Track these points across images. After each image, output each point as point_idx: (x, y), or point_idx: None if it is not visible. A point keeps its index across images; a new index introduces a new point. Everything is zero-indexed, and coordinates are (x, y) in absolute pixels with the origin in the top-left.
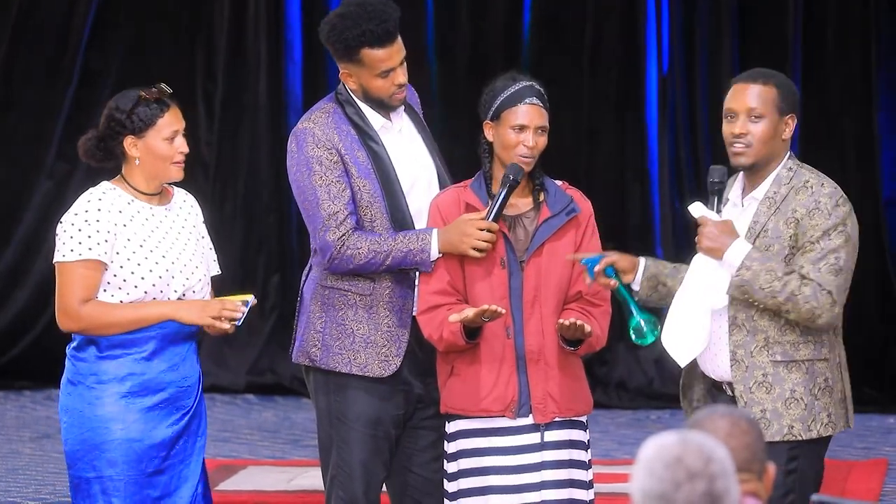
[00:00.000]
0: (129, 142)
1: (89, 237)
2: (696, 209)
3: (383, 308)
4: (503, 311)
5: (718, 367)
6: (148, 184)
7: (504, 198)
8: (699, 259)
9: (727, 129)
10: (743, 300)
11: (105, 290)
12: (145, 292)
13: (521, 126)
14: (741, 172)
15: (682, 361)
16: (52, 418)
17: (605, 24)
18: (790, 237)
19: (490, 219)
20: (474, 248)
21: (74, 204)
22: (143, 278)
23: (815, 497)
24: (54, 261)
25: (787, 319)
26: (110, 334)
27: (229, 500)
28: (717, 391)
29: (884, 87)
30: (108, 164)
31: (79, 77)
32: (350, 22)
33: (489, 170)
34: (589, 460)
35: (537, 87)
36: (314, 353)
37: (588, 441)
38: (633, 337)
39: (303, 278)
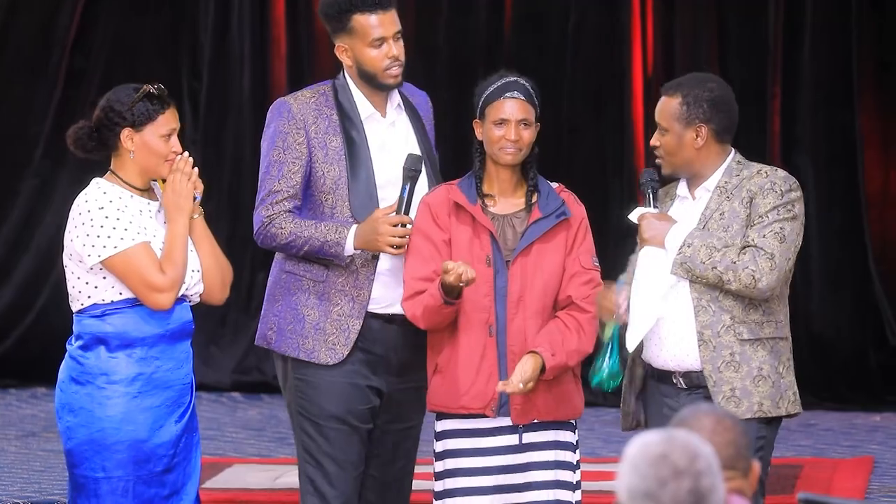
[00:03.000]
0: (125, 134)
1: (126, 229)
2: (635, 213)
3: (335, 296)
4: (473, 274)
5: (682, 355)
6: (140, 178)
7: (408, 191)
8: (643, 253)
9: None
10: (686, 277)
11: (122, 294)
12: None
13: (502, 120)
14: None
15: (630, 345)
16: (37, 416)
17: (587, 22)
18: (746, 216)
19: (401, 212)
20: (391, 245)
21: (85, 204)
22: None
23: (801, 495)
24: (103, 258)
25: (749, 298)
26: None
27: (215, 499)
28: (662, 383)
29: (864, 86)
30: (96, 156)
31: (65, 76)
32: None
33: (479, 169)
34: (577, 461)
35: (522, 81)
36: (270, 336)
37: (577, 442)
38: (603, 377)
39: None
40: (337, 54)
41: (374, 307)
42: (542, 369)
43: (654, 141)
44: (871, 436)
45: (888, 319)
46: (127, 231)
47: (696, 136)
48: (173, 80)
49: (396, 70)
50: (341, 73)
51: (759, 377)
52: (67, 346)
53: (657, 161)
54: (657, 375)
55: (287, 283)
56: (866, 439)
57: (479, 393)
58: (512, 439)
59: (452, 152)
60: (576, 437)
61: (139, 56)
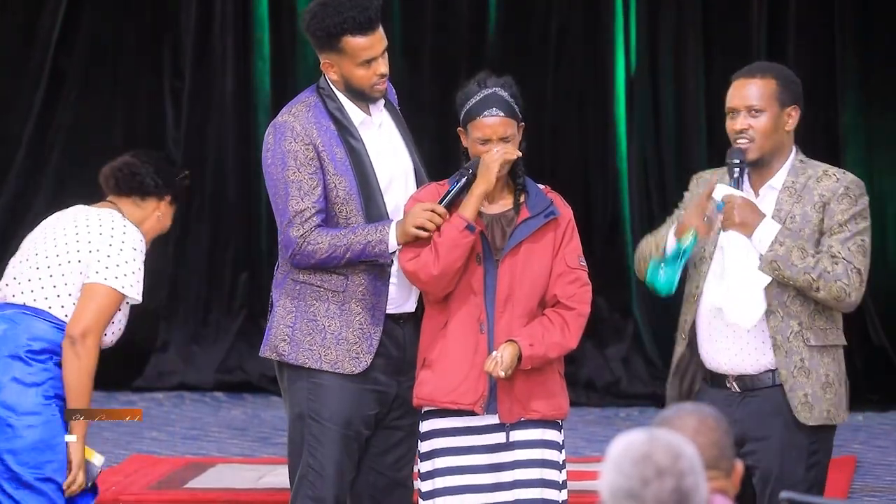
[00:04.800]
0: (167, 199)
1: (139, 282)
2: (720, 190)
3: (356, 304)
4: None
5: (737, 359)
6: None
7: (458, 188)
8: (730, 238)
9: (729, 125)
10: (773, 276)
11: (67, 317)
12: (121, 329)
13: (484, 140)
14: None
15: (748, 325)
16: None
17: (570, 22)
18: (819, 221)
19: (442, 204)
20: (417, 227)
21: (123, 234)
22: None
23: (784, 494)
24: (98, 280)
25: (815, 305)
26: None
27: (198, 499)
28: (714, 387)
29: (847, 85)
30: (118, 192)
31: (47, 77)
32: (331, 10)
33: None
34: (563, 460)
35: (501, 93)
36: (282, 348)
37: (563, 441)
38: (658, 280)
39: (274, 274)
40: (322, 69)
41: (387, 309)
42: (521, 359)
43: (741, 124)
44: (854, 435)
45: (871, 318)
46: (138, 284)
47: (789, 118)
48: (156, 80)
49: (383, 85)
50: (323, 79)
51: (827, 384)
52: (17, 347)
53: (743, 145)
54: (711, 378)
55: (302, 294)
56: (849, 439)
57: (469, 388)
58: (499, 437)
59: (438, 150)
60: (562, 436)
61: (122, 56)
